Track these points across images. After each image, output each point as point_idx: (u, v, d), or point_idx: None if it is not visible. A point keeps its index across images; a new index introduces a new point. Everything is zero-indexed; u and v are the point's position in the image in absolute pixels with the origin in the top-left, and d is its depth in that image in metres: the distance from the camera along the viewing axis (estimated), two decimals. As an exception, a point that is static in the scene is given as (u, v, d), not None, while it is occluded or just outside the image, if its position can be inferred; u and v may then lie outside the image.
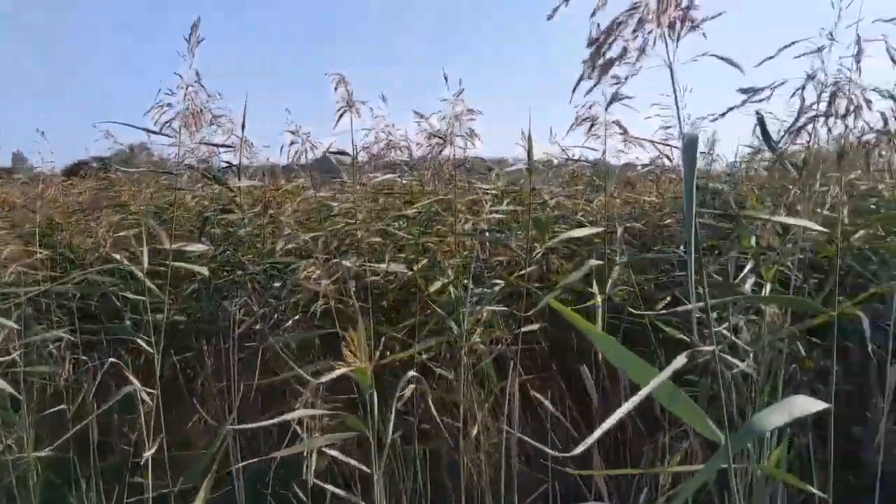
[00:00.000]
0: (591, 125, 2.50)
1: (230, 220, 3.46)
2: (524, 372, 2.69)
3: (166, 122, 2.26)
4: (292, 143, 3.07)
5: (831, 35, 1.48)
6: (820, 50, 1.47)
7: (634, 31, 1.06)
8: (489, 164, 3.90)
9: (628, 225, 3.24)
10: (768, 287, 1.80)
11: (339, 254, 2.93)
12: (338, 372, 1.18)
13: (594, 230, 2.22)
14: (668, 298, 2.89)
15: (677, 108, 1.13)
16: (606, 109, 2.49)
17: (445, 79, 2.71)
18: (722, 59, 1.12)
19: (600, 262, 2.11)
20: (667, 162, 3.75)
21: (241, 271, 3.23)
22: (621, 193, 3.69)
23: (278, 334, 3.03)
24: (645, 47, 1.06)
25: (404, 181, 3.40)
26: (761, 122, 1.52)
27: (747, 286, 1.96)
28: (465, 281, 2.57)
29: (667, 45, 1.05)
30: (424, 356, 2.78)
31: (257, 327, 3.19)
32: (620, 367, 1.16)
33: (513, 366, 2.41)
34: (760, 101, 1.25)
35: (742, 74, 1.14)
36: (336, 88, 3.03)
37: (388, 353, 3.00)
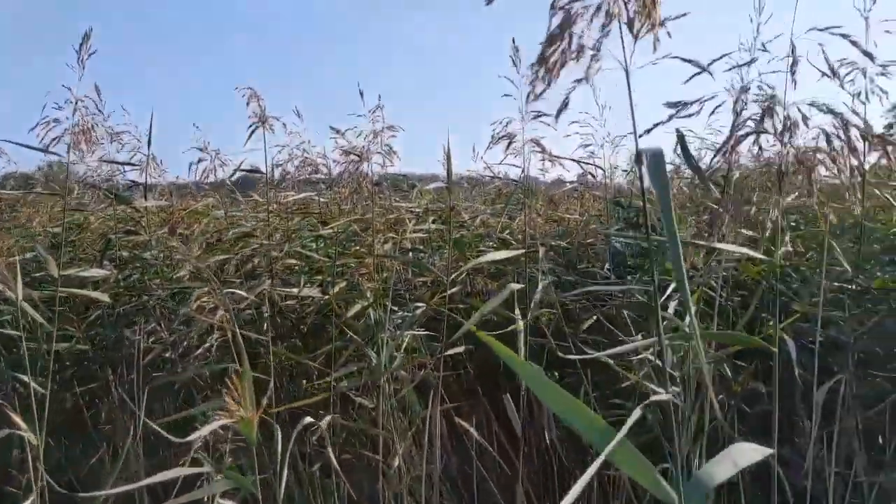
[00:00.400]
0: (509, 143, 2.43)
1: (137, 242, 3.26)
2: (450, 398, 2.59)
3: (54, 139, 2.07)
4: (200, 160, 2.90)
5: (764, 46, 1.41)
6: (752, 62, 1.38)
7: (605, 25, 0.92)
8: (412, 181, 3.80)
9: (553, 243, 3.19)
10: (693, 309, 1.74)
11: (251, 277, 2.78)
12: (215, 425, 1.04)
13: (514, 252, 2.15)
14: (594, 318, 2.84)
15: (633, 119, 1.02)
16: (557, 117, 2.41)
17: (361, 94, 2.60)
18: (687, 61, 1.03)
19: (521, 287, 2.03)
20: (591, 179, 3.74)
21: (146, 296, 3.03)
22: (545, 211, 3.65)
23: (189, 363, 2.86)
24: (599, 47, 0.93)
25: (322, 199, 3.27)
26: (681, 139, 1.45)
27: (671, 308, 1.90)
28: (386, 303, 2.45)
29: (623, 46, 0.94)
30: (344, 383, 2.65)
31: (167, 355, 3.01)
32: (545, 399, 1.06)
33: (434, 392, 2.31)
34: (689, 116, 1.16)
35: (713, 80, 1.05)
36: (248, 103, 2.89)
37: (304, 381, 2.86)
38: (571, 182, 4.00)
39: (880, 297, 2.37)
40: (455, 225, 3.18)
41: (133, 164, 3.02)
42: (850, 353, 2.33)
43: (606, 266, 3.05)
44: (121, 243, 3.26)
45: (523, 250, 2.30)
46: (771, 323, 2.28)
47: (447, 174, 2.30)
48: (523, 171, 2.61)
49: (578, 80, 0.94)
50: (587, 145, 3.14)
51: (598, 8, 0.90)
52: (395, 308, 2.67)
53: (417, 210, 3.29)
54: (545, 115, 2.12)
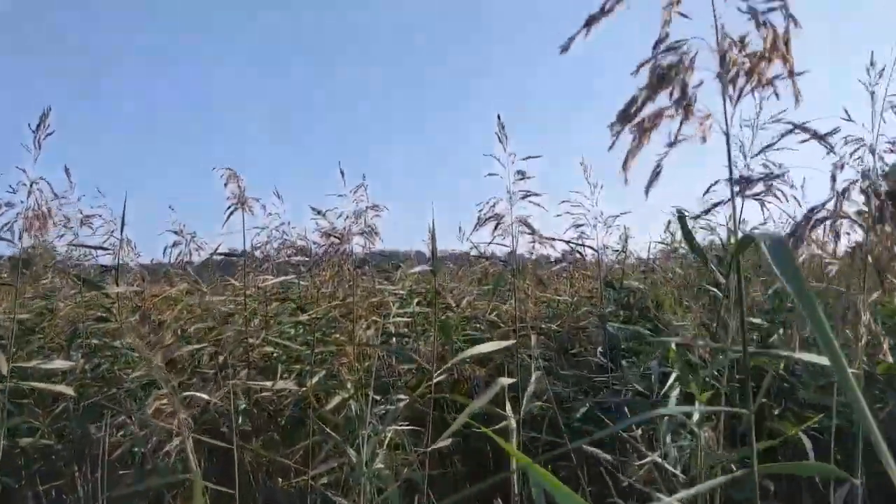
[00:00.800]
0: (497, 225, 2.32)
1: (108, 330, 3.11)
2: (437, 497, 2.42)
3: (5, 225, 1.94)
4: (175, 244, 2.79)
5: (848, 114, 1.28)
6: (834, 133, 1.19)
7: (721, 74, 0.78)
8: (396, 261, 3.70)
9: (543, 326, 3.06)
10: (699, 407, 1.61)
11: (226, 366, 2.63)
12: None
13: (503, 343, 2.01)
14: (588, 405, 2.70)
15: (731, 190, 0.87)
16: (647, 191, 2.29)
17: (342, 173, 2.50)
18: (807, 130, 0.90)
19: (512, 381, 1.89)
20: (578, 257, 3.64)
21: (116, 388, 2.86)
22: (533, 292, 3.52)
23: (158, 459, 2.68)
24: (693, 100, 0.80)
25: (303, 282, 3.14)
26: (682, 220, 1.35)
27: (672, 401, 1.77)
28: (368, 392, 2.30)
29: (724, 103, 0.80)
30: (324, 480, 2.47)
31: (136, 449, 2.83)
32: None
33: (420, 492, 2.14)
34: (756, 195, 1.02)
35: (828, 152, 0.90)
36: (226, 184, 2.79)
37: (281, 479, 2.68)
38: (558, 260, 3.90)
39: (885, 384, 2.25)
40: (440, 306, 3.06)
41: (105, 248, 2.90)
42: (860, 441, 2.20)
43: (599, 350, 2.92)
44: (91, 330, 3.11)
45: (513, 341, 2.17)
46: (777, 412, 2.16)
47: (432, 255, 2.18)
48: (512, 251, 2.50)
49: (672, 143, 0.79)
50: (579, 225, 3.00)
51: (691, 61, 0.74)
52: (378, 397, 2.52)
53: (401, 293, 3.17)
54: (534, 194, 2.03)
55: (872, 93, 1.41)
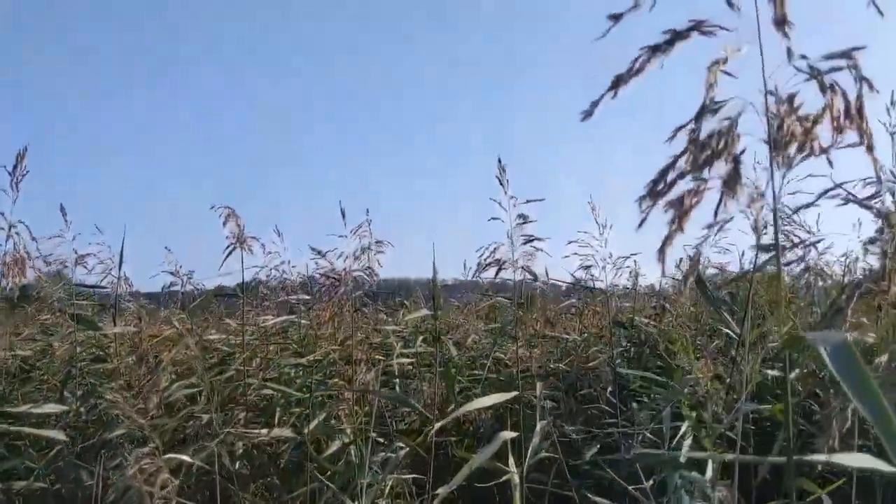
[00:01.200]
0: (499, 269, 2.24)
1: (105, 370, 3.04)
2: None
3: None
4: (172, 284, 2.73)
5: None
6: (877, 196, 1.09)
7: (782, 140, 0.70)
8: (401, 299, 3.63)
9: (551, 366, 2.98)
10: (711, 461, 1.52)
11: (224, 408, 2.55)
12: None
13: (506, 396, 1.93)
14: (597, 447, 2.61)
15: (778, 254, 0.79)
16: (685, 284, 2.24)
17: (342, 213, 2.43)
18: (858, 202, 0.82)
19: (515, 435, 1.81)
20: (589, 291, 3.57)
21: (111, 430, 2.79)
22: (541, 330, 3.43)
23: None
24: (737, 171, 0.69)
25: (304, 321, 3.07)
26: (701, 284, 1.28)
27: (685, 450, 1.69)
28: (370, 434, 2.22)
29: (772, 175, 0.72)
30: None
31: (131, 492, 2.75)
32: None
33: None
34: (788, 264, 0.94)
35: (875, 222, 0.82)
36: (225, 223, 2.74)
37: (278, 529, 2.58)
38: (569, 289, 3.83)
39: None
40: (443, 349, 2.98)
41: (102, 287, 2.85)
42: (879, 489, 2.11)
43: (609, 390, 2.83)
44: (87, 370, 3.05)
45: (516, 393, 2.08)
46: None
47: (433, 299, 2.11)
48: (514, 293, 2.42)
49: (712, 225, 0.69)
50: (587, 266, 2.89)
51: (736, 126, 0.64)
52: (381, 439, 2.44)
53: (405, 332, 3.09)
54: (537, 239, 1.95)
55: (893, 134, 1.34)
